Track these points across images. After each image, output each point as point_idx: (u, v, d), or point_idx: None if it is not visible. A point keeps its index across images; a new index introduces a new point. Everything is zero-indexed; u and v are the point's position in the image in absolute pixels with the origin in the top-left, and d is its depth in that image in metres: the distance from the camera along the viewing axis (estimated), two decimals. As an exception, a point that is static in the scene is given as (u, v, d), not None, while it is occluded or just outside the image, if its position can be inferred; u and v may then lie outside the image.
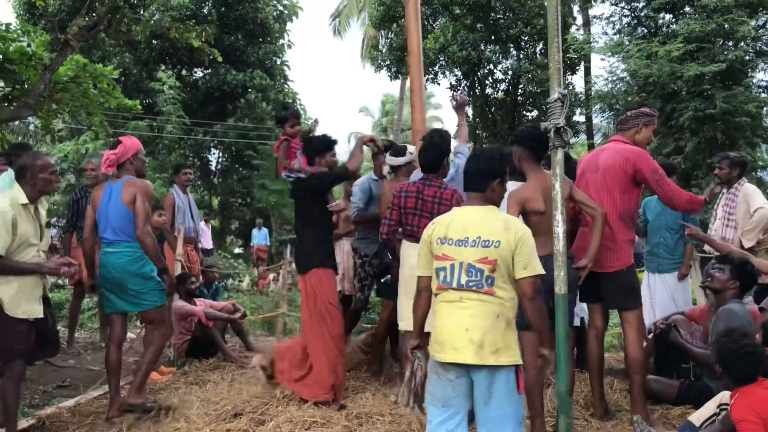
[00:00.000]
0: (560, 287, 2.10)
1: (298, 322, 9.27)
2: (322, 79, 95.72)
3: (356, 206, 5.20)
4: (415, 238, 4.21)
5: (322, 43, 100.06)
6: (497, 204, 2.90)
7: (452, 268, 2.76)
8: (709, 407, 3.38)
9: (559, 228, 2.10)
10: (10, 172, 5.68)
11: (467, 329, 2.66)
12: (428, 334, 2.95)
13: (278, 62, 21.47)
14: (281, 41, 21.86)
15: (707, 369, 4.04)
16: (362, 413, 4.02)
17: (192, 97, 20.40)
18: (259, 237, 17.51)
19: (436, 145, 4.31)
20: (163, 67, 20.10)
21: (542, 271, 2.75)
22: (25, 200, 3.77)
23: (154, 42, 19.34)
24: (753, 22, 14.46)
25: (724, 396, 3.32)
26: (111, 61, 15.46)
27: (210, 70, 20.26)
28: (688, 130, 13.92)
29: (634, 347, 3.81)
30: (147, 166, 4.73)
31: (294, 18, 22.04)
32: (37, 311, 3.78)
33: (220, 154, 22.75)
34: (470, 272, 2.70)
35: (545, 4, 17.16)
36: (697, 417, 3.39)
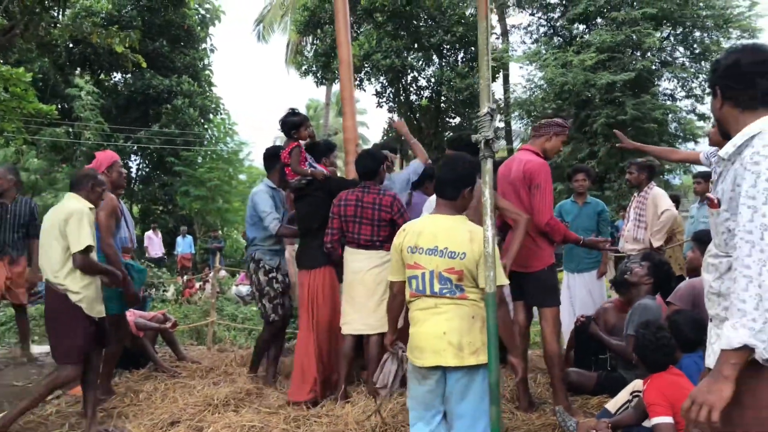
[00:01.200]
0: (489, 286, 2.29)
1: (228, 330, 9.20)
2: (246, 84, 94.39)
3: (276, 218, 4.98)
4: (357, 244, 4.38)
5: (247, 48, 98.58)
6: (464, 210, 2.98)
7: (423, 277, 2.82)
8: (623, 395, 3.63)
9: (489, 232, 2.28)
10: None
11: (445, 333, 2.74)
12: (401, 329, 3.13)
13: (202, 67, 21.14)
14: (204, 46, 21.56)
15: (622, 360, 4.34)
16: (300, 416, 4.10)
17: (112, 103, 19.79)
18: (184, 245, 17.17)
19: (371, 153, 4.48)
20: (80, 72, 19.44)
21: (506, 282, 2.90)
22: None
23: (71, 46, 18.67)
24: (658, 34, 15.42)
25: (636, 383, 3.57)
26: (28, 65, 14.83)
27: (132, 76, 19.72)
28: (601, 135, 14.66)
29: (551, 343, 4.07)
30: (125, 176, 4.85)
31: (217, 22, 21.79)
32: (103, 311, 4.14)
33: (141, 161, 22.15)
34: (442, 280, 2.78)
35: (465, 13, 17.71)
36: (613, 404, 3.66)
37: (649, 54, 15.76)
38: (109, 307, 4.60)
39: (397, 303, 3.07)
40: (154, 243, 16.42)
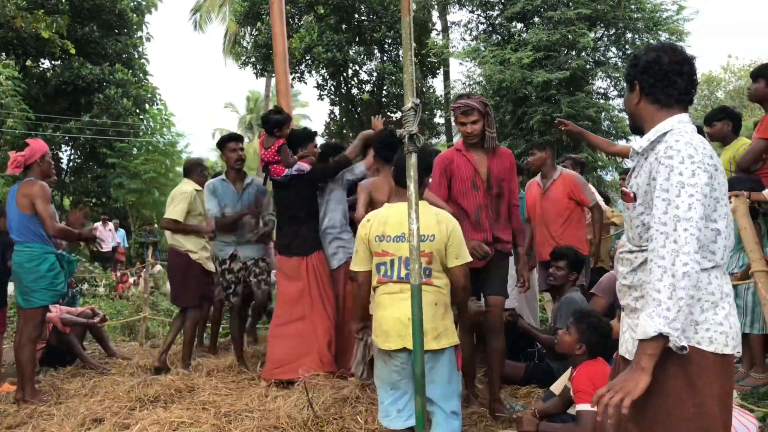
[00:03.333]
0: (414, 279, 2.32)
1: (161, 326, 9.01)
2: (183, 74, 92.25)
3: (212, 213, 5.18)
4: None
5: (183, 38, 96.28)
6: (423, 197, 3.11)
7: (392, 263, 2.94)
8: (563, 379, 3.66)
9: (413, 225, 2.31)
10: None
11: (409, 317, 2.78)
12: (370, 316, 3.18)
13: (137, 56, 20.53)
14: (140, 33, 20.94)
15: (550, 351, 4.47)
16: (231, 411, 4.05)
17: (40, 91, 19.00)
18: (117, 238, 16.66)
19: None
20: (4, 57, 18.56)
21: (470, 259, 3.05)
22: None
23: (-5, 29, 17.83)
24: (592, 34, 15.84)
25: (568, 372, 3.66)
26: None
27: (60, 63, 18.97)
28: (537, 132, 14.98)
29: (498, 338, 4.06)
30: (53, 167, 4.87)
31: (153, 9, 21.20)
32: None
33: (72, 152, 21.38)
34: (409, 265, 2.82)
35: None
36: (556, 386, 3.74)
37: (583, 53, 16.17)
38: (33, 299, 4.53)
39: (363, 292, 3.14)
40: (103, 235, 15.86)
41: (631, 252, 2.11)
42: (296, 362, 4.60)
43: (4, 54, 18.75)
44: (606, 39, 16.95)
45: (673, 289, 1.79)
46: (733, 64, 29.54)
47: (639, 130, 2.14)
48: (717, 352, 1.91)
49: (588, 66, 16.09)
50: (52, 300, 4.76)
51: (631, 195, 2.06)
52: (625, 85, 2.25)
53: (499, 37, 17.70)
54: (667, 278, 1.81)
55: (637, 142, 2.10)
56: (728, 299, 1.95)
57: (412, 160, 2.33)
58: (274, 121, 4.92)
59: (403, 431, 2.98)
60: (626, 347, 2.14)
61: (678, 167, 1.87)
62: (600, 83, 17.12)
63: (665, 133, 2.01)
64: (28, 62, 19.29)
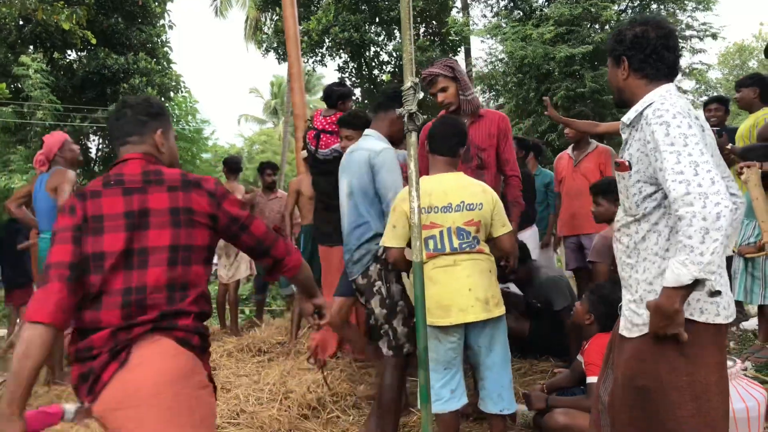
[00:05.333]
0: (416, 255, 2.36)
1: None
2: (207, 61, 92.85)
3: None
4: None
5: (205, 25, 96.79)
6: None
7: (442, 235, 2.89)
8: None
9: (414, 203, 2.34)
10: None
11: (470, 289, 2.83)
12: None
13: (160, 44, 20.70)
14: (162, 22, 21.09)
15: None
16: (250, 391, 4.15)
17: (68, 82, 19.31)
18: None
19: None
20: (32, 50, 18.88)
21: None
22: None
23: (23, 24, 18.13)
24: (615, 7, 15.53)
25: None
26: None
27: (86, 54, 19.24)
28: (561, 108, 14.79)
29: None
30: (79, 154, 5.05)
31: (174, -2, 21.35)
32: None
33: (100, 141, 21.73)
34: (460, 235, 2.87)
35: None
36: None
37: (607, 26, 15.89)
38: None
39: (400, 270, 3.10)
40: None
41: (628, 226, 2.12)
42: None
43: (31, 47, 19.07)
44: (630, 11, 16.61)
45: (705, 232, 1.74)
46: (766, 32, 28.74)
47: (626, 103, 2.14)
48: (709, 322, 1.92)
49: (611, 39, 15.80)
50: None
51: (626, 163, 2.07)
52: (609, 59, 2.24)
53: (521, 13, 17.47)
54: (697, 222, 1.75)
55: (625, 115, 2.10)
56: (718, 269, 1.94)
57: (412, 138, 2.36)
58: (338, 93, 4.89)
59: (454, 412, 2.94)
60: (624, 324, 2.15)
61: (673, 122, 1.88)
62: (624, 57, 16.79)
63: (650, 104, 2.01)
64: (55, 54, 19.59)
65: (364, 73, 19.32)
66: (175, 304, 1.93)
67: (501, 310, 2.95)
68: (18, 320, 6.11)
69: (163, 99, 20.39)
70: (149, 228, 1.94)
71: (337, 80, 4.63)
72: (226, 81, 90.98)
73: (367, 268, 3.21)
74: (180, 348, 1.92)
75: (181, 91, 21.23)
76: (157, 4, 20.40)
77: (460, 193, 2.94)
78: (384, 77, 19.36)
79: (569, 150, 5.68)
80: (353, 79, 19.79)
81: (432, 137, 3.09)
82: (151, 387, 1.83)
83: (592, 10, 14.91)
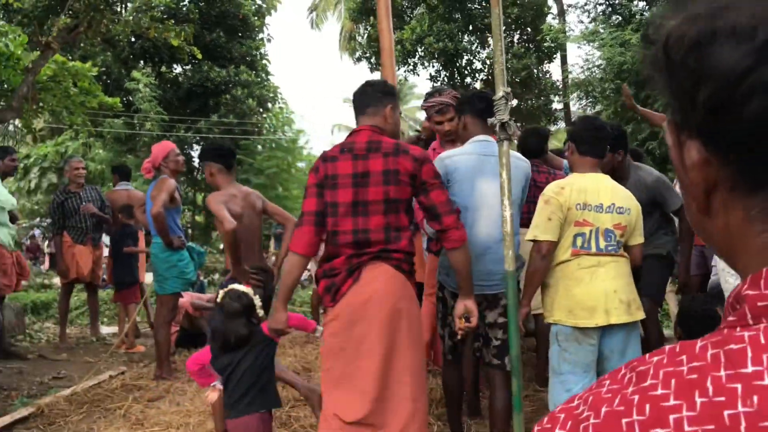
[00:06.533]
0: (509, 264, 2.37)
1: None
2: (301, 72, 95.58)
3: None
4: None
5: (300, 36, 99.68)
6: None
7: (591, 234, 2.86)
8: None
9: (507, 212, 2.36)
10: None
11: (615, 291, 2.80)
12: None
13: (259, 57, 21.55)
14: (261, 36, 21.95)
15: None
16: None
17: (173, 95, 20.45)
18: (244, 231, 17.66)
19: (536, 130, 4.55)
20: (142, 65, 20.14)
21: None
22: None
23: (134, 40, 19.37)
24: (722, 8, 14.82)
25: None
26: (92, 60, 15.52)
27: (191, 68, 20.32)
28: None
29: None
30: (183, 163, 5.29)
31: (273, 11, 22.15)
32: None
33: (203, 151, 22.80)
34: (607, 237, 2.85)
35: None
36: None
37: (713, 29, 15.19)
38: (167, 286, 5.03)
39: (547, 265, 2.92)
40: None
41: None
42: None
43: (141, 62, 20.34)
44: (739, 12, 15.77)
45: None
46: None
47: None
48: None
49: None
50: (182, 287, 5.22)
51: None
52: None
53: (620, 18, 16.94)
54: None
55: None
56: None
57: (504, 147, 2.38)
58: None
59: None
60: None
61: None
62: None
63: None
64: (163, 68, 20.81)
65: (456, 81, 19.31)
66: (391, 242, 2.59)
67: (641, 314, 2.91)
68: (126, 318, 6.49)
69: (261, 110, 21.20)
70: (369, 186, 2.58)
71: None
72: (319, 91, 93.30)
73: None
74: (395, 271, 2.60)
75: (278, 103, 21.99)
76: (256, 18, 21.27)
77: (611, 195, 2.89)
78: (477, 85, 19.29)
79: None
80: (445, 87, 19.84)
81: (581, 140, 3.01)
82: (377, 297, 2.55)
83: (697, 12, 14.29)
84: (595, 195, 2.87)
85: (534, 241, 2.89)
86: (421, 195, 2.62)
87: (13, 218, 5.86)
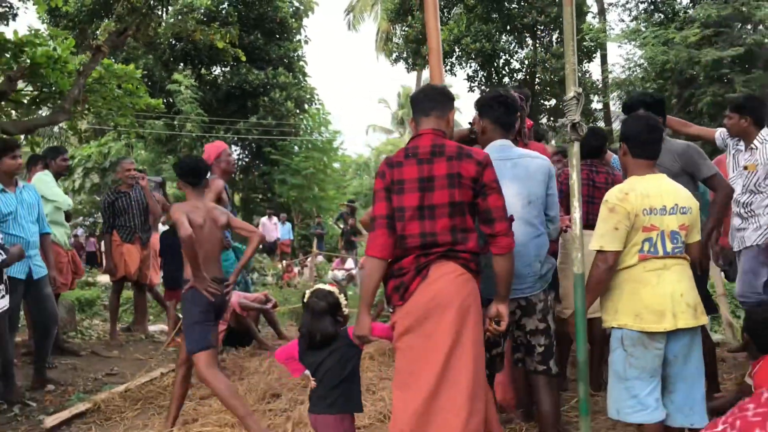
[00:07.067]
0: (578, 267, 2.34)
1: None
2: (337, 73, 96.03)
3: None
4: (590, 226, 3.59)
5: (336, 37, 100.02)
6: None
7: (657, 238, 2.81)
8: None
9: (576, 214, 2.32)
10: (47, 173, 6.04)
11: (682, 294, 2.76)
12: None
13: (296, 59, 21.75)
14: (298, 37, 22.14)
15: None
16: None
17: (213, 96, 20.75)
18: (283, 232, 17.82)
19: (595, 130, 4.33)
20: (182, 67, 20.48)
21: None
22: None
23: (174, 42, 19.71)
24: (770, 6, 14.43)
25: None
26: (134, 63, 15.83)
27: (230, 70, 20.60)
28: (706, 115, 13.93)
29: None
30: (233, 164, 5.40)
31: (310, 13, 22.32)
32: None
33: (241, 152, 23.08)
34: (674, 239, 2.80)
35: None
36: None
37: (761, 27, 14.79)
38: None
39: (611, 276, 2.86)
40: (268, 228, 17.14)
41: None
42: None
43: (182, 64, 20.67)
44: (787, 9, 15.34)
45: None
46: None
47: None
48: None
49: (767, 40, 14.65)
50: None
51: None
52: None
53: (662, 16, 16.64)
54: None
55: None
56: None
57: (575, 148, 2.34)
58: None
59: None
60: None
61: None
62: (781, 58, 15.53)
63: None
64: (203, 71, 21.13)
65: (494, 81, 19.19)
66: (458, 243, 2.62)
67: (705, 319, 2.86)
68: (175, 314, 6.53)
69: (298, 111, 21.37)
70: (434, 190, 2.62)
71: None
72: (355, 92, 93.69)
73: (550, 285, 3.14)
74: (462, 269, 2.62)
75: (315, 104, 22.15)
76: (294, 20, 21.47)
77: (673, 197, 2.84)
78: (514, 85, 19.14)
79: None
80: (482, 87, 19.73)
81: (634, 142, 2.93)
82: (445, 294, 2.58)
83: (744, 9, 13.92)
84: (658, 198, 2.81)
85: (600, 251, 2.82)
86: (479, 198, 2.65)
87: (67, 217, 5.99)
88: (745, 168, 4.32)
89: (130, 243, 6.55)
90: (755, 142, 4.20)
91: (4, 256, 4.06)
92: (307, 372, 2.96)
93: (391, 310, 2.75)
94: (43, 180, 5.83)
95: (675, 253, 2.80)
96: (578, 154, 2.35)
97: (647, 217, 2.78)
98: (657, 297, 2.75)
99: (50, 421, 4.12)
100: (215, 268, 3.88)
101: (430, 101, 2.80)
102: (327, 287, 3.06)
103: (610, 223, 2.79)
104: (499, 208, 2.64)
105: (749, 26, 14.71)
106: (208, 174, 5.22)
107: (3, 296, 4.18)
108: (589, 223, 3.49)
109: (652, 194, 2.82)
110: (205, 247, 3.79)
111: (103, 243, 7.00)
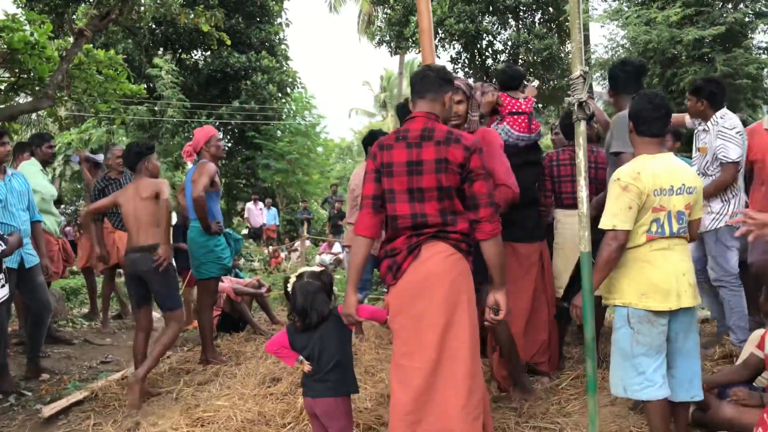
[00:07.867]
0: (585, 246, 2.35)
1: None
2: (320, 56, 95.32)
3: None
4: (574, 206, 3.61)
5: (318, 20, 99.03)
6: None
7: (666, 217, 2.83)
8: (746, 349, 3.42)
9: (583, 192, 2.34)
10: (33, 162, 5.95)
11: (684, 274, 2.82)
12: None
13: (278, 42, 21.50)
14: (279, 20, 21.88)
15: None
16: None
17: (194, 81, 20.47)
18: (268, 217, 17.74)
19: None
20: (162, 52, 20.17)
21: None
22: None
23: (154, 27, 19.38)
24: (751, -16, 14.54)
25: (756, 334, 3.33)
26: (113, 48, 15.54)
27: (211, 54, 20.33)
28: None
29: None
30: (223, 148, 5.38)
31: (291, -4, 22.06)
32: None
33: (223, 136, 22.85)
34: (680, 219, 2.84)
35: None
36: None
37: (741, 5, 14.89)
38: (203, 271, 5.02)
39: (620, 256, 2.85)
40: (254, 214, 17.00)
41: None
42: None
43: (162, 49, 20.35)
44: (766, -12, 15.46)
45: None
46: None
47: None
48: None
49: (747, 19, 14.76)
50: (219, 273, 5.18)
51: None
52: None
53: (644, -5, 16.69)
54: None
55: None
56: None
57: (581, 127, 2.35)
58: (521, 74, 4.56)
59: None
60: None
61: None
62: (761, 37, 15.69)
63: None
64: (183, 55, 20.81)
65: (477, 63, 19.16)
66: (448, 225, 2.66)
67: (699, 299, 2.95)
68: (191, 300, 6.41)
69: (280, 95, 21.18)
70: (423, 174, 2.65)
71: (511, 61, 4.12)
72: (338, 75, 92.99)
73: None
74: (453, 249, 2.67)
75: (298, 87, 21.95)
76: (274, 2, 21.19)
77: (681, 176, 2.85)
78: (498, 67, 19.12)
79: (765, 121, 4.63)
80: (466, 69, 19.69)
81: (641, 119, 2.92)
82: (436, 273, 2.63)
83: (725, -12, 14.03)
84: (667, 178, 2.82)
85: (612, 230, 2.80)
86: (465, 183, 2.67)
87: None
88: (699, 150, 4.42)
89: (121, 230, 6.49)
90: (708, 124, 4.29)
91: (4, 246, 4.01)
92: (301, 357, 2.94)
93: (385, 290, 2.77)
94: (29, 170, 5.74)
95: (679, 233, 2.83)
96: (584, 133, 2.36)
97: (657, 198, 2.80)
98: (663, 277, 2.79)
99: (48, 410, 4.10)
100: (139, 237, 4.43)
101: (428, 83, 2.80)
102: (317, 268, 3.10)
103: (623, 202, 2.78)
104: (483, 194, 2.65)
105: (730, 5, 14.81)
106: (195, 157, 5.19)
107: (3, 285, 4.13)
108: (573, 202, 3.58)
109: (662, 174, 2.83)
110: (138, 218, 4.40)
111: (80, 232, 6.87)
